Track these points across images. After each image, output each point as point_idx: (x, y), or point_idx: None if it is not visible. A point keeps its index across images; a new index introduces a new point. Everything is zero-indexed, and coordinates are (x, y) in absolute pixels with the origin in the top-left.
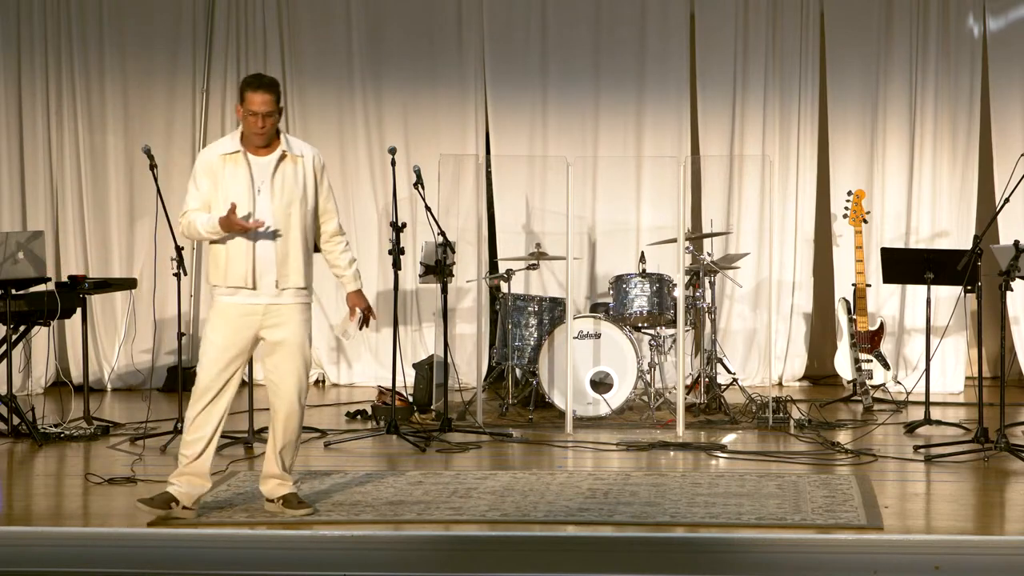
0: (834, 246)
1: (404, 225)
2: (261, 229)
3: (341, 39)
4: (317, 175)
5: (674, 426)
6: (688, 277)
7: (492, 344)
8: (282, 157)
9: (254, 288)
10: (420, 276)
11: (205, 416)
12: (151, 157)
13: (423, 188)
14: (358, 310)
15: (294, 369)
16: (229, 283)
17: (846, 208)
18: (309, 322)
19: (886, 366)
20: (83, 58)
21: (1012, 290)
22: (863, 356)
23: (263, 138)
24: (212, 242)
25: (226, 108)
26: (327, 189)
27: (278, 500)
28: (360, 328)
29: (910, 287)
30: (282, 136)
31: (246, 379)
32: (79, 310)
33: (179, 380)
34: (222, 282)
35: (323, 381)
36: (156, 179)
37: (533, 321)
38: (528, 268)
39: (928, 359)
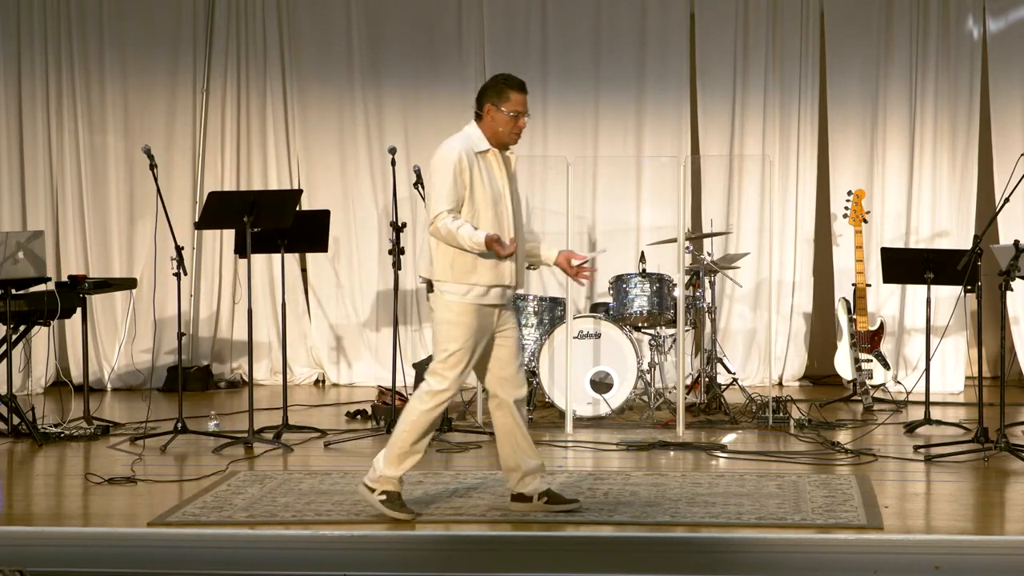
0: (834, 246)
1: (404, 225)
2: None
3: (341, 39)
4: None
5: (674, 426)
6: (688, 277)
7: None
8: (510, 158)
9: (510, 286)
10: (420, 276)
11: (436, 418)
12: (151, 157)
13: (423, 188)
14: (573, 260)
15: (518, 362)
16: (491, 282)
17: (846, 208)
18: None
19: (886, 366)
20: (83, 58)
21: (1012, 290)
22: (863, 356)
23: (519, 139)
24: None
25: (226, 108)
26: None
27: (541, 498)
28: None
29: (910, 287)
30: None
31: (245, 378)
32: (79, 310)
33: (179, 380)
34: (482, 280)
35: (323, 381)
36: (156, 179)
37: (533, 321)
38: (528, 268)
39: (928, 359)
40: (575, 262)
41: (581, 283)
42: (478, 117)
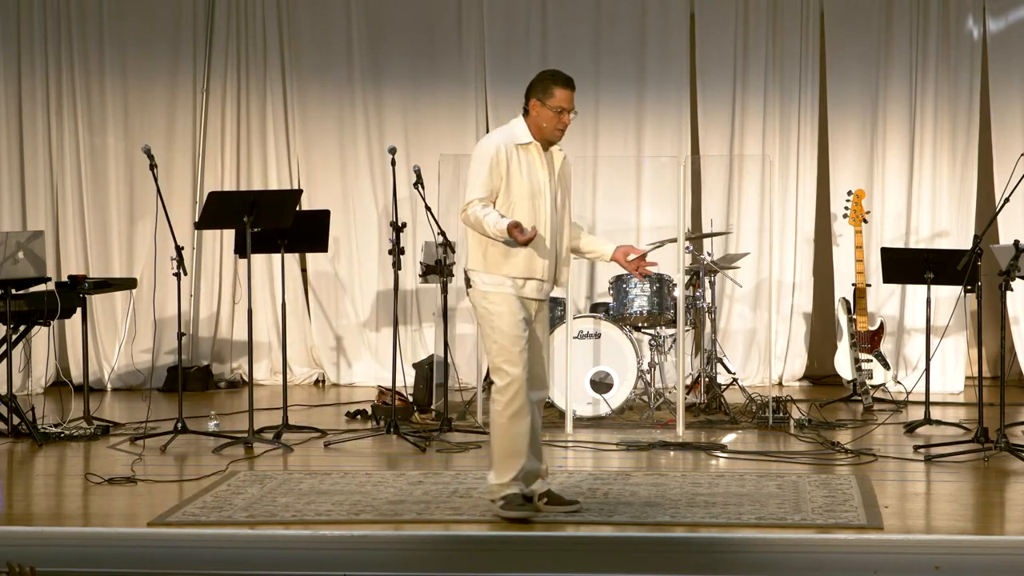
0: (834, 246)
1: (404, 225)
2: (540, 232)
3: (341, 39)
4: (570, 176)
5: (674, 426)
6: (688, 277)
7: None
8: (557, 153)
9: (544, 280)
10: (420, 276)
11: (517, 413)
12: (151, 157)
13: (423, 188)
14: (629, 255)
15: (547, 363)
16: (525, 274)
17: (846, 208)
18: None
19: (886, 366)
20: (83, 58)
21: (1012, 290)
22: (863, 356)
23: (563, 135)
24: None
25: (226, 108)
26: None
27: (541, 498)
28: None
29: (910, 287)
30: None
31: (245, 378)
32: (79, 310)
33: (179, 380)
34: (517, 272)
35: (323, 381)
36: (156, 179)
37: None
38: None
39: (928, 359)
40: (632, 256)
41: (644, 278)
42: (525, 112)
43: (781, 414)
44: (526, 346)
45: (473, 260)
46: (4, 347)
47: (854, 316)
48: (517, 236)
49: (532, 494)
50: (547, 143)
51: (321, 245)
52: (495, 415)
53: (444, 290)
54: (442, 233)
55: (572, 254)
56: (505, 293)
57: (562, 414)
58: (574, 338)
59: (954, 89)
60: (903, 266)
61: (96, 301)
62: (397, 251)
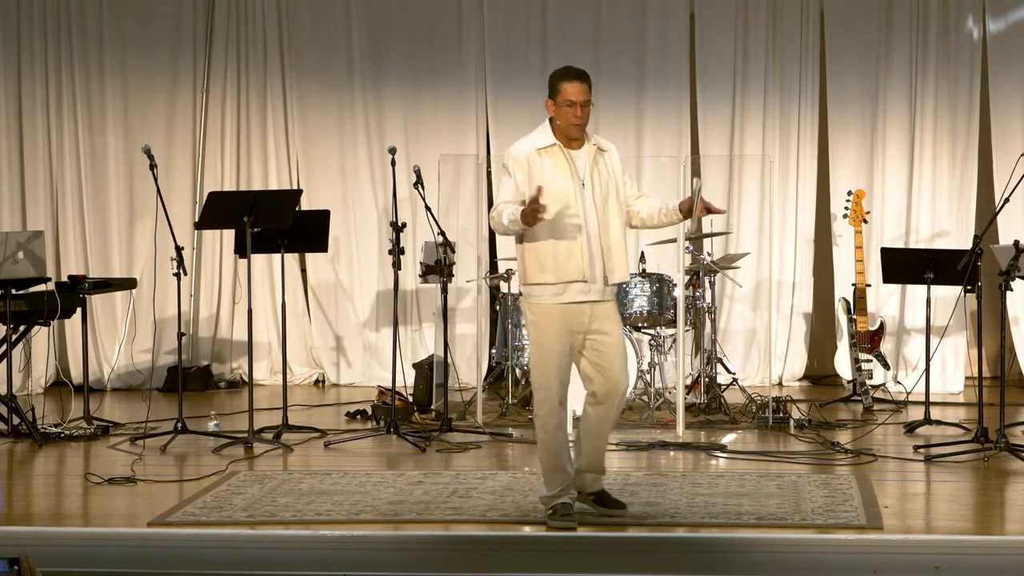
0: (834, 246)
1: (404, 225)
2: (583, 224)
3: (341, 39)
4: (619, 168)
5: (674, 426)
6: (688, 277)
7: (492, 344)
8: (591, 151)
9: (586, 281)
10: (420, 276)
11: (555, 426)
12: (151, 157)
13: (423, 188)
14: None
15: (620, 364)
16: (561, 278)
17: (846, 208)
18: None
19: (886, 366)
20: (83, 58)
21: (1012, 290)
22: (863, 356)
23: (580, 129)
24: (520, 241)
25: (226, 108)
26: (627, 177)
27: (590, 496)
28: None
29: (910, 287)
30: (587, 131)
31: (245, 378)
32: (79, 310)
33: (179, 380)
34: (552, 279)
35: (323, 381)
36: (156, 179)
37: None
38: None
39: (928, 359)
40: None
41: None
42: (551, 118)
43: (781, 414)
44: (565, 361)
45: (520, 272)
46: (4, 347)
47: (854, 316)
48: (528, 212)
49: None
50: (571, 140)
51: (321, 245)
52: (537, 430)
53: (444, 290)
54: (442, 233)
55: (651, 229)
56: (545, 304)
57: None
58: None
59: (954, 89)
60: (903, 266)
61: (96, 301)
62: (397, 251)
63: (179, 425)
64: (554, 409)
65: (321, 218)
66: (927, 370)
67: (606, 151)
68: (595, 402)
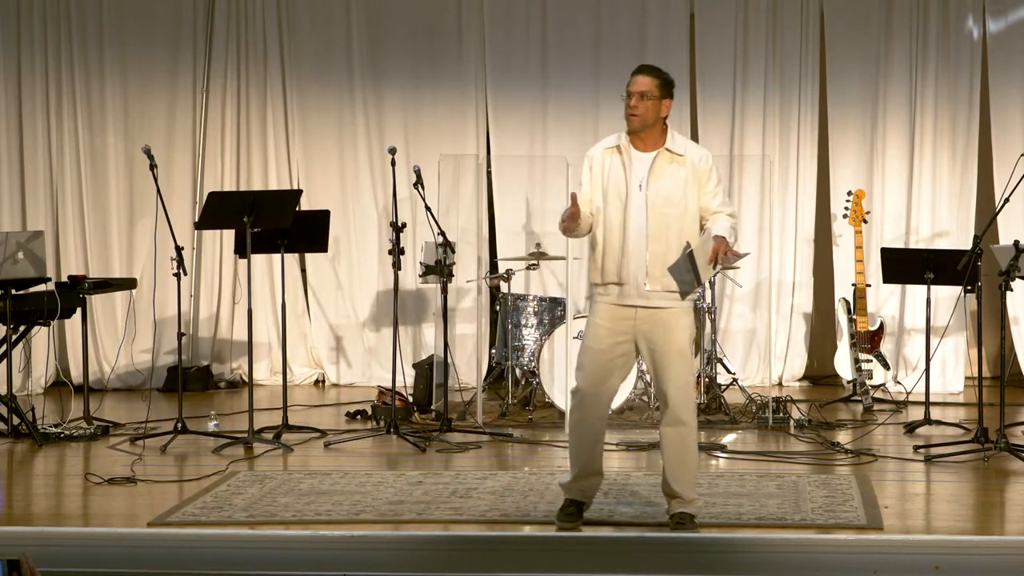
0: (834, 246)
1: (404, 225)
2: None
3: (341, 39)
4: (700, 176)
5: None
6: None
7: (492, 344)
8: (660, 153)
9: (621, 284)
10: (420, 276)
11: (579, 422)
12: (151, 157)
13: (423, 188)
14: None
15: (671, 379)
16: (605, 279)
17: (846, 208)
18: (688, 328)
19: (886, 366)
20: (83, 58)
21: (1012, 290)
22: (863, 356)
23: (637, 120)
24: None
25: (226, 108)
26: (713, 188)
27: (672, 517)
28: (715, 264)
29: (910, 287)
30: (669, 134)
31: (245, 378)
32: (79, 310)
33: (179, 380)
34: (598, 279)
35: (323, 381)
36: (156, 179)
37: (533, 321)
38: (528, 268)
39: (928, 359)
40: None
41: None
42: None
43: (781, 414)
44: (601, 360)
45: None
46: (4, 347)
47: (854, 316)
48: (566, 217)
49: (586, 503)
50: (638, 141)
51: (321, 245)
52: (568, 418)
53: (444, 290)
54: (442, 233)
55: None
56: (597, 302)
57: (562, 414)
58: (574, 338)
59: (954, 89)
60: (903, 266)
61: (96, 301)
62: (397, 251)
63: (179, 425)
64: (582, 401)
65: (321, 218)
66: (927, 370)
67: (680, 156)
68: (660, 420)
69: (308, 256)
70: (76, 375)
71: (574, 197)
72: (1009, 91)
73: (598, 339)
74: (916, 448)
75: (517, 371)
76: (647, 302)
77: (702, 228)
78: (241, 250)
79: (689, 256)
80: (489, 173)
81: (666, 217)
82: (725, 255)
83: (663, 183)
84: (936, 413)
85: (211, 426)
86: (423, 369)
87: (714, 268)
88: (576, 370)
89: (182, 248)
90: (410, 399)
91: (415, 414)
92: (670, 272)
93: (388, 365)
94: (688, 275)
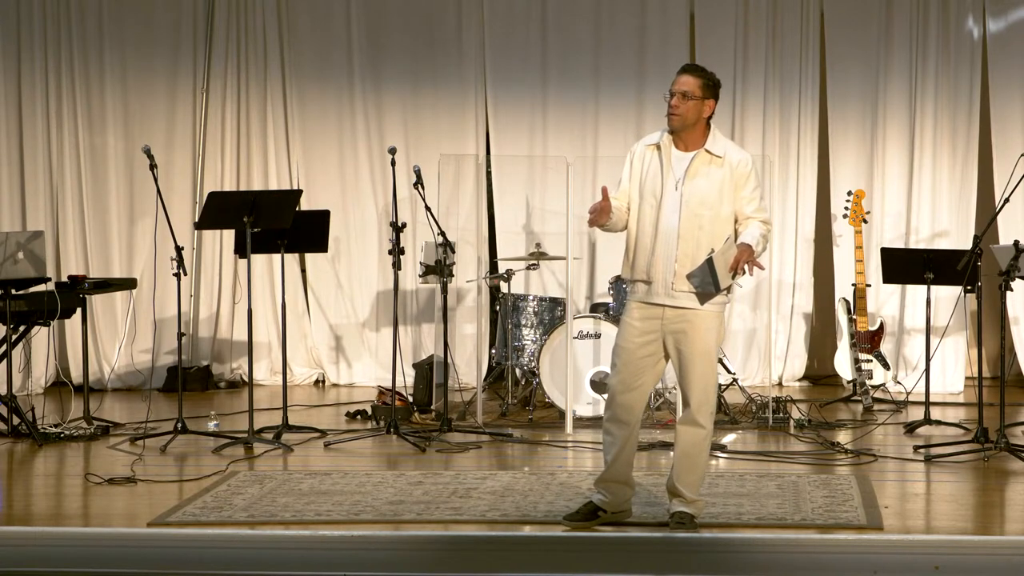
0: (834, 246)
1: (404, 225)
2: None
3: (341, 39)
4: (738, 180)
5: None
6: None
7: (492, 344)
8: (699, 154)
9: (648, 282)
10: (420, 276)
11: (611, 419)
12: (151, 157)
13: (423, 188)
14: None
15: (693, 381)
16: (633, 276)
17: (846, 208)
18: (715, 331)
19: (886, 366)
20: (83, 58)
21: (1012, 290)
22: (863, 356)
23: (677, 120)
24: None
25: (226, 108)
26: (750, 193)
27: (673, 516)
28: (733, 274)
29: (910, 287)
30: (711, 134)
31: (245, 378)
32: (79, 310)
33: (179, 380)
34: (629, 275)
35: (323, 381)
36: (156, 179)
37: (533, 321)
38: (528, 268)
39: (928, 359)
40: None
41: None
42: None
43: (781, 414)
44: (630, 359)
45: None
46: (4, 347)
47: (854, 316)
48: (593, 212)
49: (605, 511)
50: (679, 140)
51: (321, 245)
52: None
53: (444, 290)
54: (442, 233)
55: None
56: (629, 300)
57: (562, 414)
58: (574, 338)
59: (954, 89)
60: (903, 266)
61: (96, 301)
62: (397, 251)
63: (179, 425)
64: (612, 399)
65: (321, 218)
66: (927, 370)
67: (719, 157)
68: (679, 417)
69: (308, 256)
70: (76, 375)
71: (604, 191)
72: (1009, 91)
73: (629, 338)
74: (916, 448)
75: (517, 371)
76: (675, 302)
77: (736, 233)
78: (241, 250)
79: (709, 262)
80: (489, 173)
81: (699, 218)
82: (747, 264)
83: (699, 184)
84: (936, 413)
85: (211, 426)
86: (423, 369)
87: (734, 276)
88: (612, 367)
89: (182, 248)
90: (410, 399)
91: (415, 414)
92: (688, 278)
93: (388, 365)
94: (707, 280)
